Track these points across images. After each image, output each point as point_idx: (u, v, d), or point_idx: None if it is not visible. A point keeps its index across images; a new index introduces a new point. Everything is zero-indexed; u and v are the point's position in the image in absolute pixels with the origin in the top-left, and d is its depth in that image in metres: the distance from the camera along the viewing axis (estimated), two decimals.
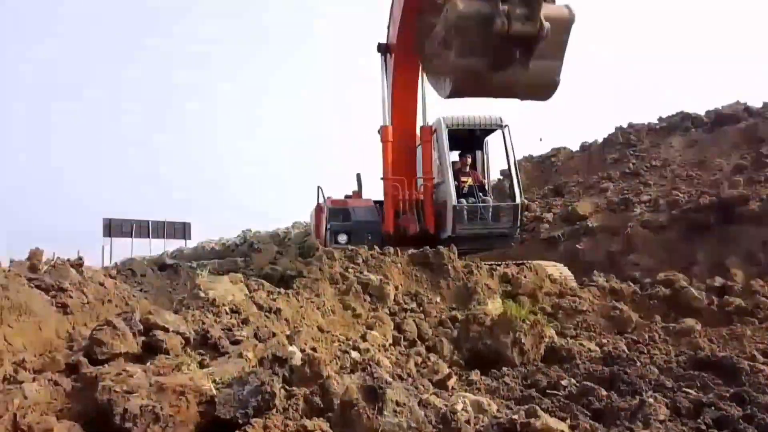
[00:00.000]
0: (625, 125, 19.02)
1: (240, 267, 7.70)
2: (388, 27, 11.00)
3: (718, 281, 10.52)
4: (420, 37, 8.12)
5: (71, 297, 5.37)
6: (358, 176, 12.19)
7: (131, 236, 41.10)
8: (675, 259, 12.65)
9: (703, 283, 10.68)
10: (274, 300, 5.19)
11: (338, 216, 11.28)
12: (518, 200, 10.92)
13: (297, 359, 3.94)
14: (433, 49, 7.08)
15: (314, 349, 4.55)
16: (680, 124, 17.26)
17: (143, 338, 3.46)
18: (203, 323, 3.95)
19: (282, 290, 5.83)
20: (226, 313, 4.36)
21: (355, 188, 12.32)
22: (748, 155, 14.23)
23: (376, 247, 9.00)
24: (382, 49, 11.15)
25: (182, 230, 44.53)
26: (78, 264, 6.24)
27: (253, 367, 3.49)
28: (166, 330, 3.43)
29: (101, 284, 5.96)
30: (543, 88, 6.74)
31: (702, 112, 17.74)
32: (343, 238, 10.96)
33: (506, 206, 10.94)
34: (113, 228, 40.67)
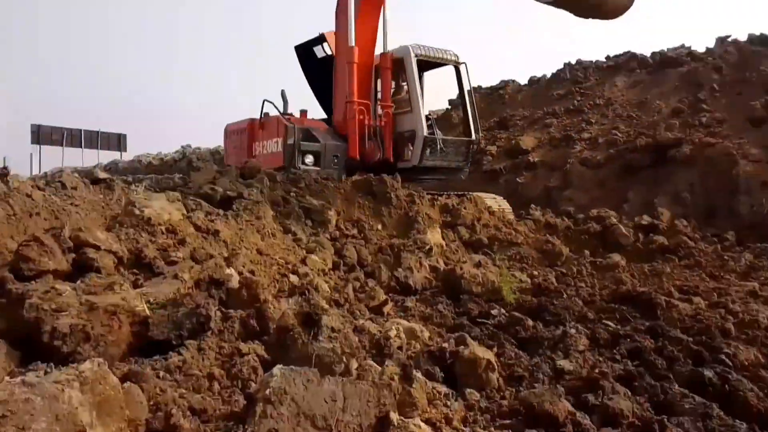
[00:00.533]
0: (573, 61, 19.15)
1: (178, 185, 7.46)
2: None
3: (646, 219, 11.02)
4: None
5: None
6: (283, 93, 11.66)
7: (62, 145, 39.19)
8: (609, 197, 13.15)
9: (632, 220, 11.20)
10: (212, 221, 5.09)
11: (305, 136, 10.89)
12: (474, 137, 11.38)
13: (234, 282, 3.93)
14: None
15: (252, 272, 4.54)
16: (626, 64, 17.49)
17: (73, 255, 3.35)
18: (137, 242, 3.85)
19: (221, 211, 5.72)
20: (162, 233, 4.25)
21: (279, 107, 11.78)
22: (686, 99, 14.65)
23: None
24: None
25: (117, 142, 42.75)
26: (3, 174, 5.92)
27: (189, 289, 3.46)
28: (98, 248, 3.32)
29: (29, 196, 5.69)
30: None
31: (648, 53, 18.02)
32: (310, 159, 10.78)
33: (466, 141, 11.39)
34: (42, 135, 38.54)
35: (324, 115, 12.06)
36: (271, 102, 11.33)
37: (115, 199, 6.82)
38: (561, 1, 8.47)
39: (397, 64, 10.81)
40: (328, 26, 11.74)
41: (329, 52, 11.82)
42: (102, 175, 6.85)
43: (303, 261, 6.30)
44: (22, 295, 2.75)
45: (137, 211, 5.05)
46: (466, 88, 11.28)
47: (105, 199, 6.69)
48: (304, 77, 12.39)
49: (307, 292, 4.23)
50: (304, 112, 11.64)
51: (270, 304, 3.53)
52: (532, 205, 12.31)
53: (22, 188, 5.66)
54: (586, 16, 8.87)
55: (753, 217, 11.31)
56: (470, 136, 11.27)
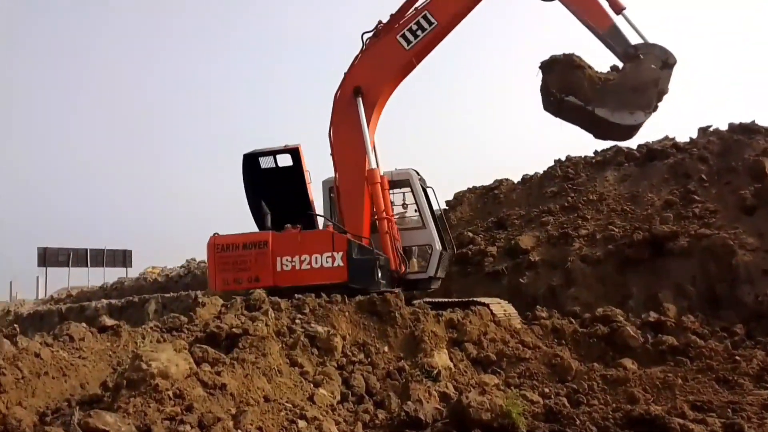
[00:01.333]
0: (563, 158, 19.73)
1: (184, 324, 7.54)
2: (351, 71, 11.16)
3: (653, 316, 11.02)
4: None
5: (4, 374, 5.20)
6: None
7: (68, 266, 39.55)
8: (611, 293, 13.19)
9: (638, 317, 11.18)
10: (219, 374, 5.13)
11: (361, 250, 10.69)
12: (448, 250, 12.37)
13: None
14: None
15: (260, 429, 4.53)
16: (614, 158, 18.02)
17: None
18: (145, 415, 3.88)
19: (227, 359, 5.76)
20: (170, 399, 4.29)
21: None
22: (677, 190, 15.00)
23: (323, 295, 8.99)
24: (357, 92, 11.02)
25: (123, 258, 43.23)
26: (12, 334, 6.02)
27: None
28: None
29: (37, 355, 5.78)
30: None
31: (634, 146, 18.61)
32: (379, 274, 10.68)
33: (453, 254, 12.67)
34: (48, 257, 39.04)
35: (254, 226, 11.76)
36: (322, 215, 11.47)
37: (122, 346, 6.89)
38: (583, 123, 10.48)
39: (397, 185, 11.29)
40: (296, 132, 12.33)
41: (276, 165, 11.89)
42: (108, 322, 6.95)
43: (311, 398, 6.27)
44: None
45: (144, 366, 5.11)
46: (438, 206, 12.66)
47: (112, 346, 6.77)
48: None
49: None
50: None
51: None
52: (538, 306, 12.33)
53: (31, 348, 5.76)
54: (603, 138, 11.05)
55: (759, 307, 11.29)
56: (454, 249, 12.42)
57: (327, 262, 10.68)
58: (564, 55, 10.21)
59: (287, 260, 10.68)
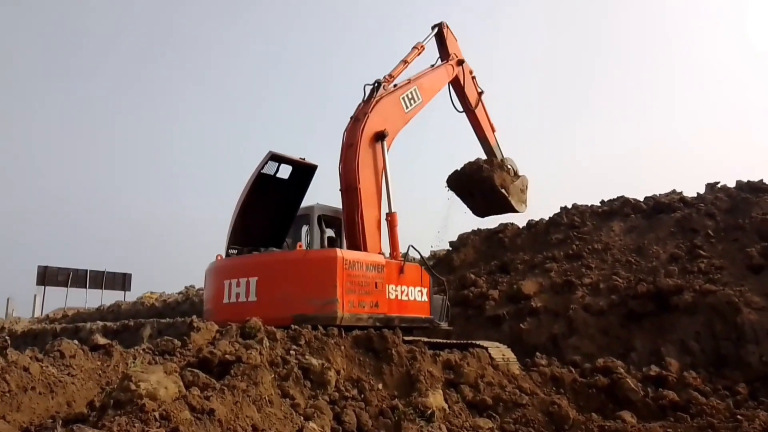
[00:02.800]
0: (569, 205, 19.75)
1: (177, 347, 7.42)
2: (371, 117, 11.36)
3: (654, 370, 10.81)
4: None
5: None
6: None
7: (67, 286, 39.45)
8: (613, 345, 12.98)
9: (640, 370, 10.96)
10: (208, 398, 5.01)
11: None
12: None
13: None
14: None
15: None
16: (621, 209, 18.02)
17: None
18: None
19: (217, 385, 5.64)
20: (155, 420, 4.17)
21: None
22: (682, 245, 14.92)
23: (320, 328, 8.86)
24: (379, 136, 11.41)
25: (122, 281, 43.11)
26: (2, 347, 5.94)
27: None
28: None
29: (26, 369, 5.67)
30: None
31: (641, 198, 18.63)
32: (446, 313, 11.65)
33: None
34: (48, 276, 38.98)
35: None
36: (416, 249, 11.37)
37: (112, 366, 6.77)
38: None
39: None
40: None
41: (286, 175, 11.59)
42: (101, 341, 6.85)
43: (300, 431, 6.10)
44: None
45: (133, 386, 5.00)
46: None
47: (102, 366, 6.64)
48: None
49: None
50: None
51: None
52: (538, 354, 12.14)
53: (20, 362, 5.66)
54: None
55: (763, 368, 11.06)
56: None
57: (419, 296, 10.95)
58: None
59: (393, 288, 10.52)
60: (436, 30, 13.93)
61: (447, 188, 15.17)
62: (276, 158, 11.18)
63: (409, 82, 12.45)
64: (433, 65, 13.67)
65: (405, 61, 12.85)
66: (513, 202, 14.77)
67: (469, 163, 14.94)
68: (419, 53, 13.33)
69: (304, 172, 11.67)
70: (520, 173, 15.24)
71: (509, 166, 15.15)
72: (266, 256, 10.54)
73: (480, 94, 14.88)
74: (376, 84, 11.91)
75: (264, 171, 10.99)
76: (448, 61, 13.88)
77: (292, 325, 8.74)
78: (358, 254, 10.19)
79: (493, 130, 15.35)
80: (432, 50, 14.00)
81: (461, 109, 14.53)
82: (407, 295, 10.75)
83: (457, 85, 14.22)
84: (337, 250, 9.93)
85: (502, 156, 15.33)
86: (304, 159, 11.57)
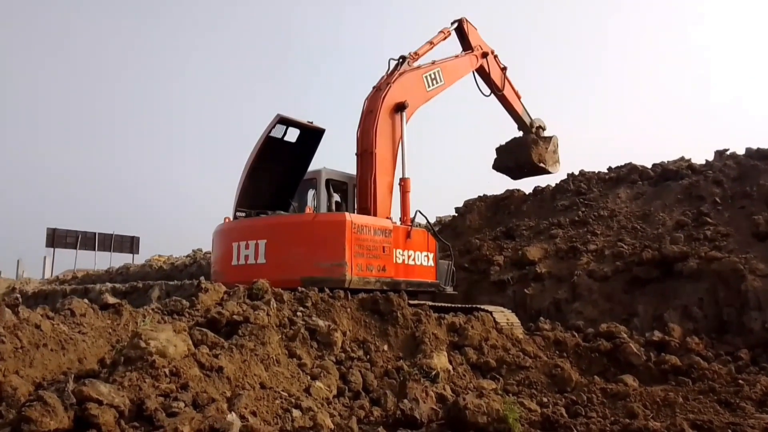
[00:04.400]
0: (576, 172, 19.63)
1: (186, 308, 7.52)
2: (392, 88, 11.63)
3: (657, 336, 10.88)
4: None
5: (3, 342, 5.20)
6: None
7: (76, 248, 39.84)
8: (617, 310, 13.05)
9: (642, 336, 11.05)
10: (217, 356, 5.10)
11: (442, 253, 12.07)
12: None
13: (235, 430, 3.89)
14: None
15: (254, 413, 4.50)
16: (628, 175, 17.90)
17: (76, 409, 3.36)
18: (140, 390, 3.85)
19: (225, 344, 5.73)
20: (165, 376, 4.26)
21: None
22: (689, 212, 14.85)
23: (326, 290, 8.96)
24: (400, 107, 11.69)
25: (130, 244, 43.46)
26: (14, 304, 6.03)
27: None
28: (100, 402, 3.33)
29: (37, 327, 5.78)
30: None
31: (649, 165, 18.48)
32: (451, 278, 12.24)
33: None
34: (57, 238, 39.35)
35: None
36: (422, 214, 11.73)
37: (122, 324, 6.88)
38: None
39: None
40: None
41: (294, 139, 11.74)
42: (111, 300, 6.94)
43: (307, 390, 6.22)
44: None
45: (143, 344, 5.09)
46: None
47: (113, 324, 6.75)
48: None
49: None
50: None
51: None
52: (541, 318, 12.24)
53: (31, 319, 5.76)
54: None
55: (765, 334, 11.12)
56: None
57: (425, 260, 11.07)
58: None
59: (400, 253, 10.67)
60: (456, 25, 14.50)
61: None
62: (284, 121, 11.19)
63: (434, 64, 12.88)
64: (457, 55, 14.33)
65: (431, 42, 13.45)
66: (550, 169, 17.45)
67: (505, 149, 17.96)
68: (445, 37, 14.03)
69: (311, 136, 11.70)
70: (548, 132, 17.30)
71: (538, 126, 17.23)
72: (275, 218, 10.62)
73: (504, 70, 15.69)
74: (401, 59, 12.32)
75: (272, 134, 11.01)
76: (472, 52, 14.51)
77: (300, 288, 8.85)
78: (366, 218, 10.33)
79: (519, 98, 16.49)
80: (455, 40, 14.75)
81: (488, 93, 15.38)
82: (414, 259, 10.90)
83: (482, 72, 14.95)
84: (346, 214, 10.05)
85: (531, 119, 17.11)
86: (311, 123, 11.60)
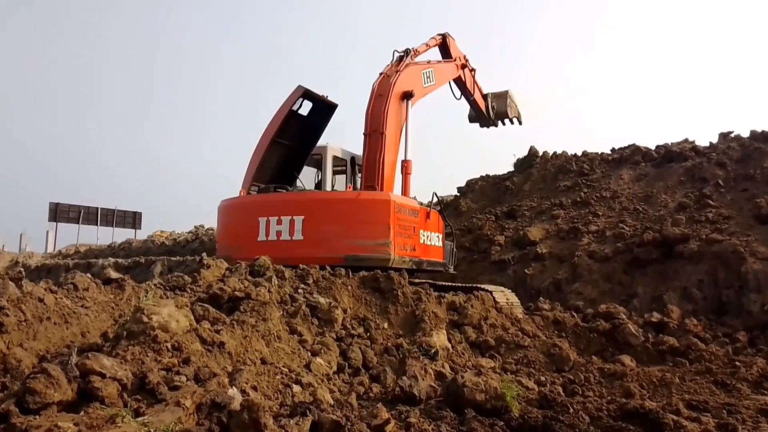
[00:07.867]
0: (579, 153, 19.57)
1: (188, 283, 7.57)
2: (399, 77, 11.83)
3: (656, 317, 10.96)
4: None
5: (7, 315, 5.25)
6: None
7: (78, 222, 40.03)
8: (616, 291, 13.12)
9: (641, 317, 11.12)
10: (218, 332, 5.16)
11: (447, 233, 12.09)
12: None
13: (236, 404, 3.95)
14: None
15: (255, 388, 4.56)
16: (631, 157, 17.84)
17: (80, 381, 3.41)
18: (143, 363, 3.91)
19: (227, 319, 5.79)
20: (168, 351, 4.31)
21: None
22: (691, 194, 14.84)
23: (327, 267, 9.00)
24: (407, 95, 11.89)
25: (132, 219, 43.66)
26: (18, 278, 6.07)
27: (190, 415, 3.49)
28: (103, 375, 3.39)
29: (41, 300, 5.82)
30: None
31: (652, 146, 18.41)
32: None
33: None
34: (60, 213, 39.53)
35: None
36: (437, 196, 11.80)
37: (125, 299, 6.93)
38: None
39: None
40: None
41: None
42: (113, 275, 6.99)
43: (307, 366, 6.29)
44: (26, 430, 2.79)
45: (145, 318, 5.15)
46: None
47: (115, 299, 6.80)
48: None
49: (308, 411, 4.21)
50: None
51: (269, 430, 3.54)
52: (541, 298, 12.31)
53: (35, 292, 5.80)
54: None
55: (764, 316, 11.18)
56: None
57: (437, 240, 11.19)
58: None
59: (423, 233, 10.79)
60: (440, 40, 14.94)
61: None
62: (306, 95, 11.23)
63: (429, 63, 13.45)
64: (447, 61, 14.92)
65: (427, 45, 14.00)
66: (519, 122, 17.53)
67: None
68: (436, 43, 14.62)
69: (324, 110, 11.78)
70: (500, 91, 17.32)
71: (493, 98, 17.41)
72: (313, 194, 10.83)
73: (473, 72, 16.23)
74: (406, 51, 12.67)
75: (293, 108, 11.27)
76: (453, 62, 15.00)
77: (341, 266, 8.93)
78: (403, 198, 10.47)
79: (484, 98, 17.20)
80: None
81: (459, 96, 15.91)
82: (430, 240, 11.04)
83: (458, 81, 15.42)
84: (389, 193, 10.19)
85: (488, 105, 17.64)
86: (326, 97, 11.68)
